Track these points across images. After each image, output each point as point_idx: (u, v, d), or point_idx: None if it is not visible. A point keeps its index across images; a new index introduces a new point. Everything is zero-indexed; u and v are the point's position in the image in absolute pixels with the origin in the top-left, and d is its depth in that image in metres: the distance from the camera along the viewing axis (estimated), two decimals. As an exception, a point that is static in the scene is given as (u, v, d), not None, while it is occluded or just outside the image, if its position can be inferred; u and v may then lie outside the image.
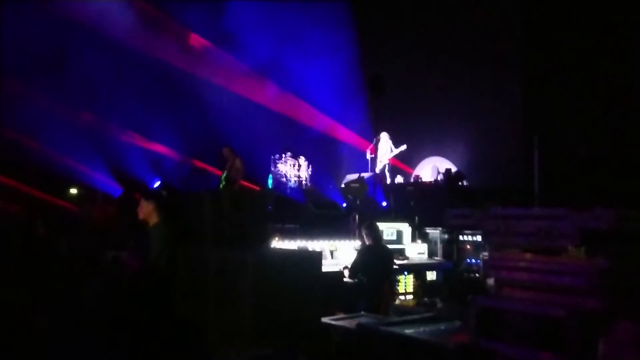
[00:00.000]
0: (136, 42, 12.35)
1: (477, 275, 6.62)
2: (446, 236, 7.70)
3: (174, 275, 4.21)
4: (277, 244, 6.44)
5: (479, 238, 7.04)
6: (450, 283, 7.01)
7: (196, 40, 13.37)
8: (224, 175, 10.71)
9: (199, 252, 4.39)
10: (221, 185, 10.62)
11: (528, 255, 2.79)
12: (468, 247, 7.37)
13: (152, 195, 4.80)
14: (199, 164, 13.24)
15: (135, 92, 12.13)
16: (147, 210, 4.61)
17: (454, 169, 10.58)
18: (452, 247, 7.58)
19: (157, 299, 3.79)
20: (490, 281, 3.02)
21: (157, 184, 12.49)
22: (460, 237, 7.48)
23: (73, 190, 12.84)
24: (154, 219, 4.60)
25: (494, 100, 10.77)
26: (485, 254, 4.97)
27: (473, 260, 7.10)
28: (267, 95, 13.20)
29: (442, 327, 3.36)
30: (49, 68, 11.73)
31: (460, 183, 9.91)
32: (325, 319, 4.08)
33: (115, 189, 12.20)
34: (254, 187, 11.75)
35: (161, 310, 3.72)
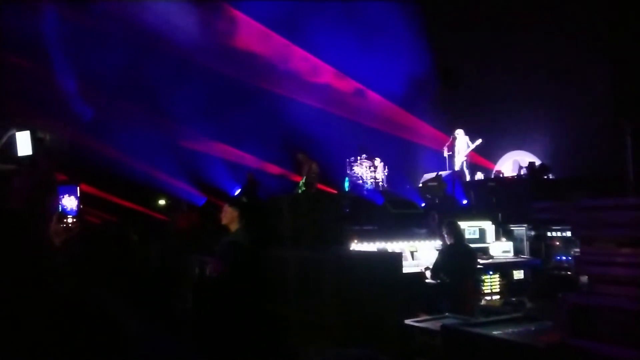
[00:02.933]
0: (213, 56, 12.86)
1: (568, 272, 6.26)
2: (533, 233, 7.35)
3: (257, 277, 4.32)
4: (356, 246, 6.43)
5: (568, 233, 6.66)
6: (539, 281, 6.67)
7: (269, 46, 13.66)
8: (303, 180, 10.89)
9: (280, 254, 4.48)
10: (299, 191, 10.80)
11: (624, 249, 2.60)
12: (557, 243, 6.99)
13: (233, 202, 4.96)
14: (278, 170, 13.54)
15: (214, 105, 12.64)
16: (229, 217, 4.77)
17: (537, 162, 10.10)
18: (539, 244, 7.22)
19: (242, 300, 3.90)
20: (583, 278, 2.84)
21: (237, 191, 12.91)
22: (548, 233, 7.11)
23: (161, 201, 13.59)
24: (235, 225, 4.74)
25: (578, 86, 10.17)
26: (577, 250, 4.70)
27: (563, 257, 6.72)
28: (341, 97, 13.27)
29: (532, 328, 3.20)
30: (139, 89, 12.52)
31: (545, 176, 9.43)
32: (408, 321, 4.02)
33: (199, 198, 12.75)
34: (331, 190, 11.84)
35: (247, 310, 3.83)
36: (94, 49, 12.57)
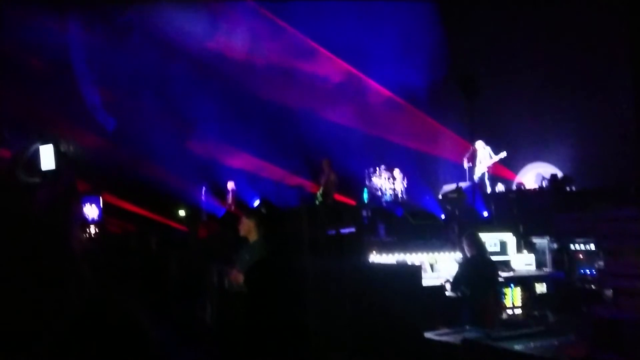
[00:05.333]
0: (235, 67, 13.01)
1: (592, 285, 6.12)
2: (555, 245, 7.22)
3: (275, 287, 4.32)
4: (375, 257, 6.39)
5: (592, 246, 6.53)
6: (563, 294, 6.54)
7: (290, 57, 13.75)
8: (320, 191, 10.91)
9: (298, 265, 4.47)
10: (317, 202, 10.81)
11: (650, 261, 2.54)
12: (580, 256, 6.85)
13: (252, 213, 4.98)
14: (296, 181, 13.58)
15: (235, 115, 12.77)
16: (247, 227, 4.78)
17: (559, 174, 9.95)
18: (562, 257, 7.08)
19: (262, 311, 3.90)
20: (608, 291, 2.78)
21: (256, 202, 12.96)
22: (571, 246, 6.98)
23: (181, 212, 13.74)
24: (254, 235, 4.76)
25: (600, 97, 10.03)
26: (601, 262, 4.60)
27: (587, 270, 6.58)
28: (360, 108, 13.29)
29: (556, 342, 3.13)
30: (161, 100, 12.73)
31: (567, 188, 9.28)
32: (428, 334, 3.97)
33: (219, 208, 12.83)
34: (350, 201, 11.82)
35: (267, 320, 3.82)
36: (117, 60, 12.82)
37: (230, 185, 12.35)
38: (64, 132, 12.92)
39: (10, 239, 1.00)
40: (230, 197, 12.27)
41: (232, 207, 12.06)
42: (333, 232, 7.70)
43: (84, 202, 11.98)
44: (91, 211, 12.06)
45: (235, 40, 13.40)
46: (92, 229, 10.58)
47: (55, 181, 1.24)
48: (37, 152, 1.26)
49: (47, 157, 1.23)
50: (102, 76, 13.31)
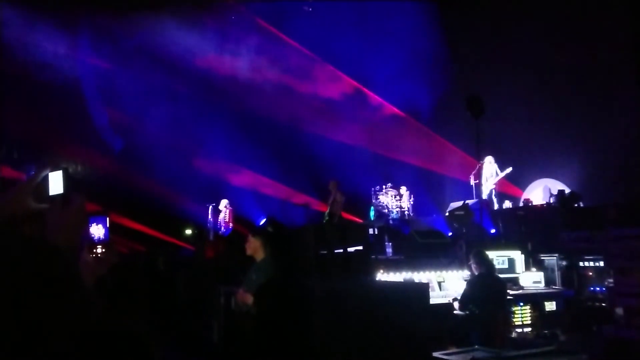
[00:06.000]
0: (241, 87, 13.13)
1: (602, 304, 6.05)
2: (564, 263, 7.15)
3: (283, 306, 4.30)
4: (382, 276, 6.35)
5: (602, 263, 6.46)
6: (572, 313, 6.46)
7: (296, 77, 13.86)
8: (327, 212, 10.92)
9: (305, 283, 4.45)
10: (324, 220, 10.81)
11: (661, 280, 2.51)
12: (590, 273, 6.78)
13: (256, 232, 4.96)
14: (303, 198, 13.58)
15: (241, 134, 12.84)
16: (254, 246, 4.76)
17: (567, 190, 9.90)
18: (571, 274, 7.01)
19: (269, 329, 3.88)
20: (619, 310, 2.75)
21: (263, 220, 12.95)
22: (581, 263, 6.92)
23: (188, 231, 13.75)
24: (261, 254, 4.74)
25: (608, 112, 10.02)
26: (611, 280, 4.55)
27: (597, 288, 6.51)
28: (366, 126, 13.34)
29: (566, 361, 3.10)
30: (168, 119, 12.84)
31: (576, 205, 9.22)
32: (436, 354, 3.93)
33: (225, 227, 12.82)
34: (356, 219, 11.80)
35: (274, 339, 3.80)
36: (125, 80, 12.97)
37: (224, 202, 12.37)
38: (72, 152, 13.05)
39: (18, 263, 1.01)
40: (226, 215, 12.26)
41: (229, 225, 12.08)
42: (340, 250, 7.68)
43: (91, 222, 12.01)
44: (97, 231, 12.09)
45: (241, 59, 13.54)
46: (99, 249, 10.59)
47: (64, 205, 1.26)
48: (46, 178, 1.28)
49: (56, 182, 1.25)
50: (110, 97, 13.46)
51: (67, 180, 1.28)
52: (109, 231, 12.02)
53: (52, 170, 1.31)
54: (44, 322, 0.99)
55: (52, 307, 0.98)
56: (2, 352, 0.94)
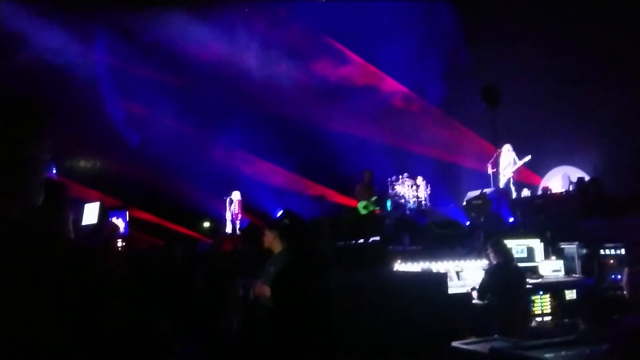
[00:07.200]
0: (258, 80, 13.14)
1: (623, 292, 5.97)
2: (584, 251, 7.06)
3: (301, 298, 4.32)
4: (399, 266, 6.34)
5: (623, 251, 6.37)
6: (593, 302, 6.38)
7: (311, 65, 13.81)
8: (373, 199, 10.86)
9: (322, 274, 4.46)
10: (366, 211, 10.74)
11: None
12: (611, 261, 6.69)
13: (274, 224, 4.97)
14: (320, 190, 13.60)
15: (257, 127, 12.87)
16: (270, 239, 4.77)
17: (586, 177, 9.76)
18: (592, 263, 6.93)
19: (287, 322, 3.90)
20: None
21: (279, 212, 12.98)
22: (602, 251, 6.82)
23: (206, 224, 13.86)
24: (277, 247, 4.75)
25: (628, 98, 9.81)
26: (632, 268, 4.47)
27: (618, 277, 6.42)
28: (383, 115, 13.27)
29: (587, 351, 3.06)
30: (185, 113, 12.91)
31: (596, 192, 9.09)
32: (455, 343, 3.91)
33: (242, 220, 12.90)
34: (373, 210, 11.76)
35: (292, 332, 3.82)
36: (142, 75, 13.06)
37: (236, 195, 12.43)
38: (90, 148, 13.20)
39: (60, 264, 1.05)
40: (236, 207, 12.34)
41: (239, 217, 12.20)
42: (357, 242, 7.68)
43: (110, 216, 12.15)
44: (119, 224, 12.24)
45: (256, 51, 13.53)
46: (119, 243, 10.75)
47: (98, 232, 1.31)
48: (81, 211, 1.36)
49: (90, 214, 1.32)
50: (126, 92, 13.57)
51: (102, 211, 1.37)
52: (128, 225, 12.15)
53: (88, 203, 1.39)
54: (69, 320, 1.02)
55: (89, 303, 1.02)
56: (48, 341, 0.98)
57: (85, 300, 1.07)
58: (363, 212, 10.77)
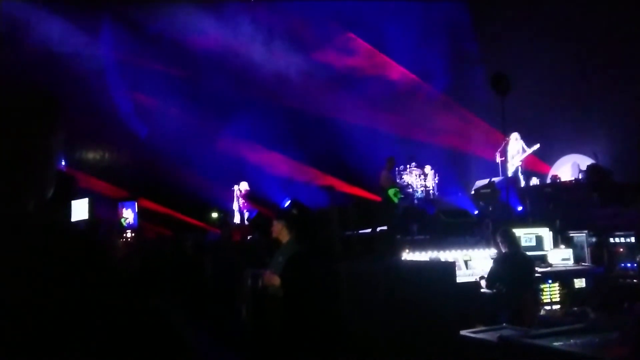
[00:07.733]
0: (262, 72, 13.11)
1: (634, 280, 5.94)
2: (594, 239, 7.03)
3: (310, 287, 4.34)
4: (407, 256, 6.35)
5: (633, 239, 6.33)
6: (602, 290, 6.36)
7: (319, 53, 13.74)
8: (398, 188, 10.84)
9: (331, 264, 4.48)
10: (396, 200, 10.71)
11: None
12: (621, 249, 6.65)
13: (282, 214, 4.99)
14: (328, 180, 13.59)
15: (265, 119, 12.87)
16: (278, 229, 4.80)
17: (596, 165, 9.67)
18: (601, 251, 6.89)
19: (296, 310, 3.93)
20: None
21: (287, 202, 13.01)
22: (611, 239, 6.78)
23: (214, 214, 13.91)
24: (285, 237, 4.77)
25: (638, 86, 9.69)
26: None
27: (628, 264, 6.39)
28: (390, 106, 13.21)
29: (597, 339, 3.05)
30: (193, 104, 12.92)
31: (605, 180, 9.02)
32: (464, 332, 3.92)
33: (251, 210, 12.95)
34: (379, 199, 11.76)
35: (301, 320, 3.84)
36: (151, 67, 13.07)
37: (244, 185, 12.46)
38: (99, 140, 13.26)
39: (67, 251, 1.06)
40: (241, 197, 12.39)
41: (245, 207, 12.27)
42: (365, 231, 7.68)
43: (120, 207, 12.25)
44: (127, 215, 12.33)
45: (264, 42, 13.48)
46: (129, 234, 10.83)
47: (95, 227, 1.31)
48: (69, 208, 1.35)
49: (80, 209, 1.31)
50: (135, 83, 13.60)
51: (92, 207, 1.35)
52: (138, 216, 12.23)
53: (75, 199, 1.37)
54: (76, 308, 1.03)
55: (97, 290, 1.03)
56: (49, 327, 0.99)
57: (99, 291, 1.08)
58: (395, 199, 10.73)
